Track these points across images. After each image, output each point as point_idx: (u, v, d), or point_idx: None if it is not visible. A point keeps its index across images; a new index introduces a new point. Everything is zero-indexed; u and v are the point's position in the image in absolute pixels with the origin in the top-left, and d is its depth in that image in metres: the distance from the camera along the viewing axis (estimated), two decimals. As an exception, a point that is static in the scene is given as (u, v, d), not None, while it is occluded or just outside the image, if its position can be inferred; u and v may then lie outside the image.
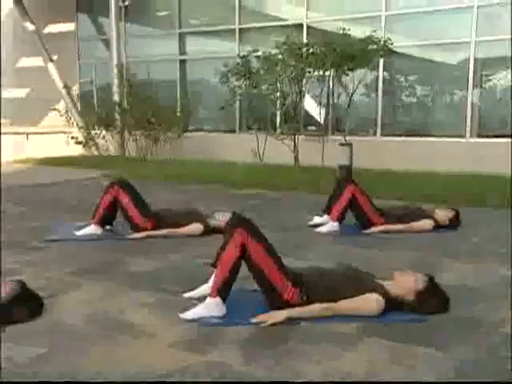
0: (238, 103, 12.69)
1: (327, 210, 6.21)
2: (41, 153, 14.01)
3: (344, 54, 9.39)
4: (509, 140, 10.84)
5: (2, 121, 13.87)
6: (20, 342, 3.02)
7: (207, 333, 3.18)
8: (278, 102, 11.38)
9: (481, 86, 11.67)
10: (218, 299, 3.37)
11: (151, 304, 3.67)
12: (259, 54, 10.97)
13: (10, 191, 8.76)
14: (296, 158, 10.75)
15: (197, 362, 2.79)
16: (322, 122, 12.33)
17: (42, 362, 2.81)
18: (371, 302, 3.35)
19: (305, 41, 11.48)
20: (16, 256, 4.91)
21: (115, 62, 14.41)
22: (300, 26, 12.89)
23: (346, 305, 3.36)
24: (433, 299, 3.47)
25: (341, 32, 9.82)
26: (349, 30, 9.87)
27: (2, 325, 3.17)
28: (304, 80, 10.36)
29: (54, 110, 14.82)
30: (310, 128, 12.56)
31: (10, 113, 15.78)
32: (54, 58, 15.43)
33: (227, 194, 8.93)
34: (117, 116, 13.52)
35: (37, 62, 16.03)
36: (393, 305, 3.40)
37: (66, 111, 14.78)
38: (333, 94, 11.17)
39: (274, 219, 6.60)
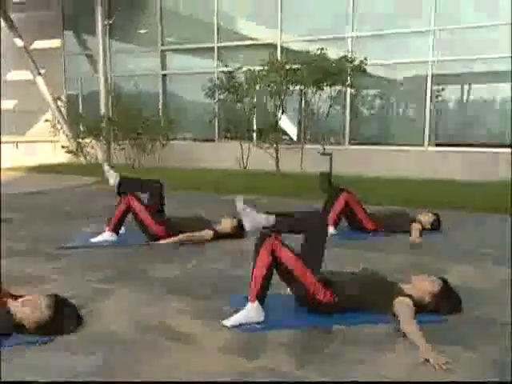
0: (222, 115, 12.60)
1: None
2: (29, 161, 13.66)
3: (323, 71, 9.41)
4: (461, 149, 11.08)
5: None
6: (75, 352, 2.87)
7: (252, 338, 3.08)
8: (255, 115, 11.36)
9: (436, 101, 11.78)
10: (257, 303, 3.28)
11: (188, 310, 3.53)
12: (244, 70, 10.89)
13: (10, 198, 8.46)
14: (277, 165, 10.68)
15: (251, 368, 2.69)
16: (297, 132, 12.34)
17: (104, 370, 2.67)
18: (410, 306, 3.29)
19: (279, 58, 11.55)
20: (41, 264, 4.71)
21: (102, 75, 14.11)
22: (270, 45, 12.88)
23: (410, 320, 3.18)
24: (448, 301, 3.44)
25: (319, 52, 9.78)
26: (326, 49, 9.86)
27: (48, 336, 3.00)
28: (284, 95, 10.30)
29: (46, 121, 14.45)
30: (284, 137, 12.46)
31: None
32: (42, 71, 14.95)
33: (216, 200, 8.67)
34: (104, 126, 13.18)
35: (22, 75, 15.62)
36: (415, 307, 3.35)
37: (56, 122, 14.42)
38: (309, 107, 11.10)
39: None
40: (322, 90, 10.14)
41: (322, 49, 9.79)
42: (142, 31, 15.03)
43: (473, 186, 9.44)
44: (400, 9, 11.58)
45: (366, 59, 9.66)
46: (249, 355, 2.83)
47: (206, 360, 2.79)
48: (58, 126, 14.49)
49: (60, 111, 14.81)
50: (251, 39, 13.39)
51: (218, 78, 11.33)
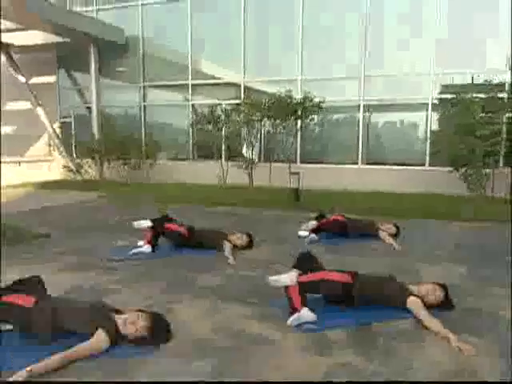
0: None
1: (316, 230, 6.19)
2: (28, 178, 12.96)
3: (290, 108, 9.58)
4: (387, 167, 11.50)
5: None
6: (187, 358, 2.81)
7: (316, 337, 3.10)
8: (232, 140, 11.40)
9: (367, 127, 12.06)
10: (305, 308, 3.34)
11: (251, 315, 3.47)
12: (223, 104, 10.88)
13: (33, 213, 7.98)
14: (251, 181, 10.69)
15: (332, 366, 2.72)
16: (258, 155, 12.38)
17: (220, 374, 2.63)
18: (422, 305, 3.40)
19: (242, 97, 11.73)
20: (102, 276, 4.48)
21: (95, 106, 13.69)
22: (233, 84, 12.91)
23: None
24: (446, 303, 3.54)
25: (288, 93, 9.88)
26: (291, 90, 9.98)
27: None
28: (258, 125, 10.37)
29: (50, 145, 13.83)
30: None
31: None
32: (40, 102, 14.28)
33: (208, 211, 8.40)
34: (99, 149, 12.75)
35: (19, 105, 14.91)
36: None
37: (56, 147, 13.81)
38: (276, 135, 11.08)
39: (265, 233, 6.41)
40: (285, 122, 10.22)
41: (290, 90, 9.93)
42: (121, 69, 14.60)
43: (401, 197, 9.77)
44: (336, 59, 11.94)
45: (324, 98, 9.84)
46: (324, 353, 2.87)
47: (295, 361, 2.79)
48: (57, 149, 13.88)
49: (57, 136, 14.19)
50: (215, 78, 13.35)
51: (201, 112, 11.28)
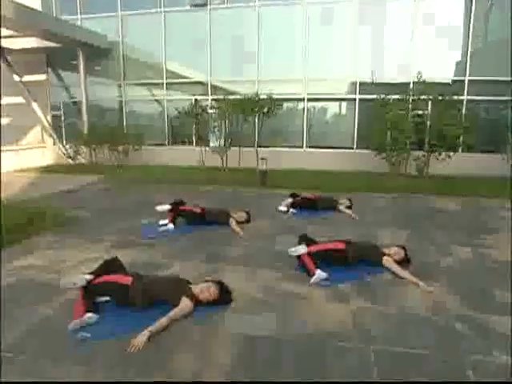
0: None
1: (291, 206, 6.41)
2: (25, 164, 12.11)
3: (258, 104, 9.73)
4: (324, 150, 11.98)
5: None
6: (251, 312, 3.05)
7: (332, 291, 3.42)
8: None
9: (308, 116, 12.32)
10: (318, 270, 3.71)
11: (282, 277, 3.67)
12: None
13: (56, 196, 7.47)
14: (226, 163, 10.78)
15: (354, 308, 3.09)
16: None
17: (281, 322, 2.91)
18: (394, 262, 3.91)
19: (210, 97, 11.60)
20: (147, 252, 4.36)
21: (84, 100, 12.91)
22: (199, 82, 12.66)
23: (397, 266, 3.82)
24: (407, 259, 4.03)
25: (256, 93, 9.98)
26: (258, 91, 10.07)
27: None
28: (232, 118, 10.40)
29: (50, 136, 12.93)
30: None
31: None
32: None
33: (197, 190, 8.02)
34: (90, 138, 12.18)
35: (14, 100, 13.72)
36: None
37: (51, 135, 12.96)
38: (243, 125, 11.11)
39: (253, 209, 6.06)
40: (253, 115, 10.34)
41: (257, 92, 10.05)
42: (103, 69, 13.78)
43: (340, 174, 10.21)
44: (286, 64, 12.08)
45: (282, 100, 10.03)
46: (344, 301, 3.24)
47: (327, 307, 3.14)
48: (51, 137, 13.04)
49: (51, 126, 13.32)
50: (185, 77, 13.02)
51: (183, 108, 11.08)
